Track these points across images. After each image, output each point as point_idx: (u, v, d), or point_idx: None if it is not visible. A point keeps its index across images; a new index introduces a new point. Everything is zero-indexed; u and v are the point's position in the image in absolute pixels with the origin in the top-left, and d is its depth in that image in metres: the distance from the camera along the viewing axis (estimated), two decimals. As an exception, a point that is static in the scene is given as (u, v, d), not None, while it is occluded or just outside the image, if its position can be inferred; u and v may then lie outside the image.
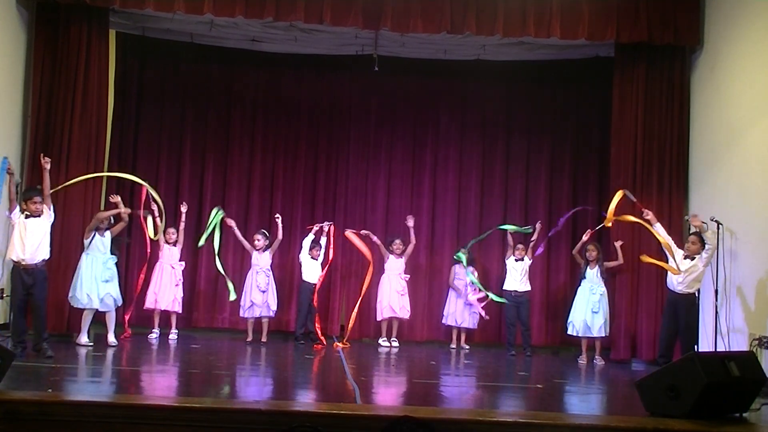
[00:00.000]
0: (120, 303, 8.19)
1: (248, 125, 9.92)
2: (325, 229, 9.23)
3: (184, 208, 8.99)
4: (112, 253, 8.09)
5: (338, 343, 8.98)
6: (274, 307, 9.04)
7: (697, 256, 7.62)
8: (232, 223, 9.11)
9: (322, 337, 9.00)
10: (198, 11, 8.24)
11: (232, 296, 8.91)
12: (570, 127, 10.04)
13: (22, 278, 6.95)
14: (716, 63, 8.33)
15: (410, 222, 9.32)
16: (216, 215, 9.03)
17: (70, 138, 8.33)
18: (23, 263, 6.94)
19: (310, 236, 9.14)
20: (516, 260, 9.04)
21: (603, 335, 8.58)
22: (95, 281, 7.87)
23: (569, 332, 8.78)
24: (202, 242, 9.10)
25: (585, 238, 8.81)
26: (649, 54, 8.74)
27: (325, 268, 9.20)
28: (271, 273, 9.06)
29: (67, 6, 8.31)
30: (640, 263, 8.49)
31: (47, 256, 7.13)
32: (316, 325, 9.05)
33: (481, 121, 10.08)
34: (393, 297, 9.17)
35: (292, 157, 9.92)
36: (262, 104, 9.97)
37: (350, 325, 9.17)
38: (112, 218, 8.15)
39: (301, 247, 9.20)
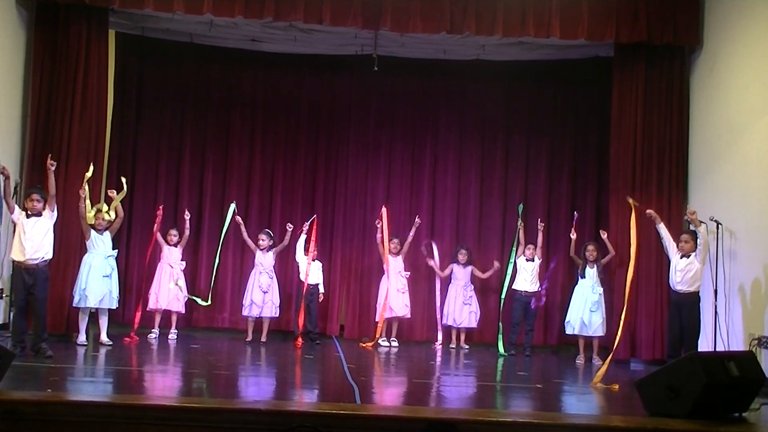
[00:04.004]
0: (116, 304, 8.18)
1: (248, 125, 9.92)
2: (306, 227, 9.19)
3: (187, 216, 8.97)
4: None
5: (366, 344, 9.05)
6: (277, 304, 9.04)
7: (692, 254, 7.64)
8: (239, 220, 9.11)
9: (300, 336, 8.88)
10: (197, 11, 8.24)
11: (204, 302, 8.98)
12: (569, 127, 10.04)
13: (23, 278, 6.96)
14: (716, 63, 8.33)
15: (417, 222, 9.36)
16: (230, 211, 9.09)
17: (70, 138, 8.32)
18: (24, 263, 6.95)
19: (303, 237, 9.13)
20: (527, 260, 9.03)
21: (601, 335, 8.60)
22: (95, 280, 7.88)
23: (567, 332, 8.81)
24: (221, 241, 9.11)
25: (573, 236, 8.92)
26: (649, 54, 8.74)
27: (310, 257, 9.03)
28: (274, 274, 9.06)
29: (66, 6, 8.30)
30: (638, 262, 8.50)
31: (49, 256, 7.14)
32: (299, 321, 8.90)
33: (480, 121, 10.08)
34: (393, 296, 9.17)
35: (291, 156, 9.92)
36: (261, 104, 9.97)
37: (380, 326, 9.12)
38: (112, 215, 8.16)
39: (296, 249, 9.20)
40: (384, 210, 9.19)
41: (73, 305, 7.97)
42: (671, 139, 8.75)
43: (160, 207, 8.97)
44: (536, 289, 9.03)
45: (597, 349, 8.68)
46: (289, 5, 8.26)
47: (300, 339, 8.78)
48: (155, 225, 8.83)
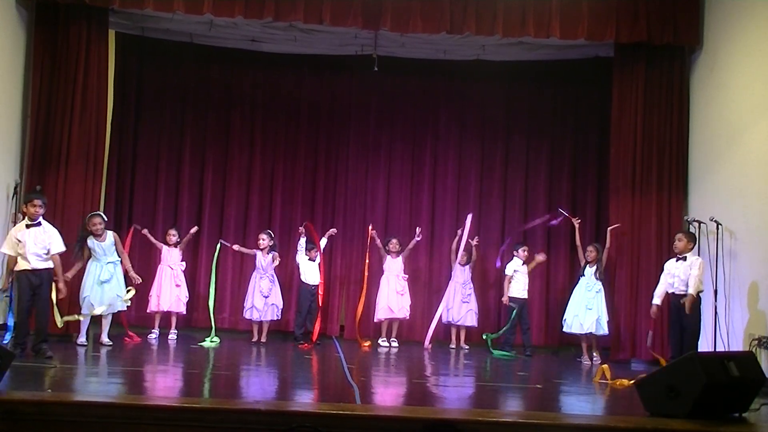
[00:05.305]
0: (118, 308, 8.17)
1: (248, 125, 9.93)
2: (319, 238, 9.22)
3: (192, 230, 9.04)
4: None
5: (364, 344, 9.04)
6: (280, 307, 9.07)
7: (687, 254, 7.64)
8: (235, 247, 9.10)
9: (315, 337, 8.90)
10: (197, 11, 8.24)
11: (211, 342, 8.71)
12: (569, 127, 10.04)
13: (29, 279, 6.94)
14: (716, 63, 8.33)
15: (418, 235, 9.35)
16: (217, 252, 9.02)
17: (70, 138, 8.32)
18: (29, 267, 6.94)
19: (303, 239, 9.13)
20: (523, 263, 9.05)
21: (599, 333, 8.58)
22: (95, 287, 7.90)
23: (564, 330, 8.83)
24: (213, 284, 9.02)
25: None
26: (649, 54, 8.74)
27: (321, 271, 9.14)
28: (275, 278, 9.07)
29: (66, 6, 8.30)
30: (638, 262, 8.53)
31: (51, 266, 7.13)
32: (316, 325, 9.01)
33: (480, 121, 10.08)
34: (391, 298, 9.17)
35: (291, 157, 9.92)
36: (261, 104, 9.97)
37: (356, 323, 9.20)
38: (104, 219, 8.13)
39: (297, 249, 9.21)
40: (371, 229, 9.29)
41: (81, 312, 7.94)
42: (671, 139, 8.75)
43: (132, 229, 8.84)
44: (525, 296, 9.05)
45: (595, 348, 8.68)
46: (289, 5, 8.26)
47: (306, 343, 8.80)
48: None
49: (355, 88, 10.04)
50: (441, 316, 9.31)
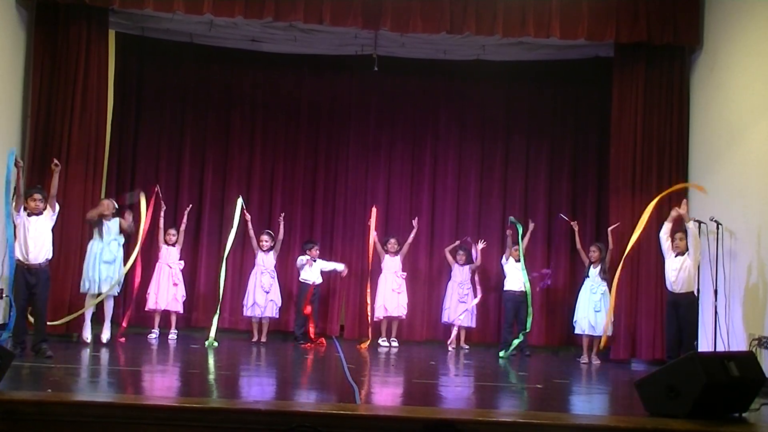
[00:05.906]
0: (118, 291, 8.20)
1: (248, 125, 9.93)
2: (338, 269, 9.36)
3: (187, 210, 9.05)
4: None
5: (362, 345, 9.02)
6: (278, 305, 9.08)
7: (687, 253, 7.67)
8: (248, 217, 9.10)
9: (313, 337, 8.93)
10: (197, 11, 8.24)
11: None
12: (569, 127, 10.04)
13: (25, 278, 6.95)
14: (716, 63, 8.33)
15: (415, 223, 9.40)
16: (238, 206, 8.96)
17: (70, 138, 8.32)
18: (26, 263, 6.95)
19: (305, 257, 9.16)
20: (515, 261, 9.06)
21: (607, 334, 8.58)
22: (99, 265, 7.93)
23: (576, 332, 8.82)
24: (231, 240, 8.88)
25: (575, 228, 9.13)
26: (649, 54, 8.74)
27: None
28: (275, 274, 9.08)
29: (66, 6, 8.31)
30: (638, 262, 8.52)
31: (50, 256, 7.16)
32: (310, 324, 8.98)
33: (480, 121, 10.08)
34: (388, 296, 9.18)
35: (291, 157, 9.93)
36: (261, 104, 9.97)
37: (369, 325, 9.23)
38: (115, 207, 8.24)
39: (296, 257, 9.29)
40: (374, 210, 9.26)
41: (81, 291, 7.99)
42: (671, 139, 8.75)
43: (156, 187, 8.86)
44: (524, 289, 9.01)
45: (596, 350, 8.68)
46: (289, 5, 8.27)
47: (310, 343, 8.83)
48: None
49: (355, 88, 10.04)
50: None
